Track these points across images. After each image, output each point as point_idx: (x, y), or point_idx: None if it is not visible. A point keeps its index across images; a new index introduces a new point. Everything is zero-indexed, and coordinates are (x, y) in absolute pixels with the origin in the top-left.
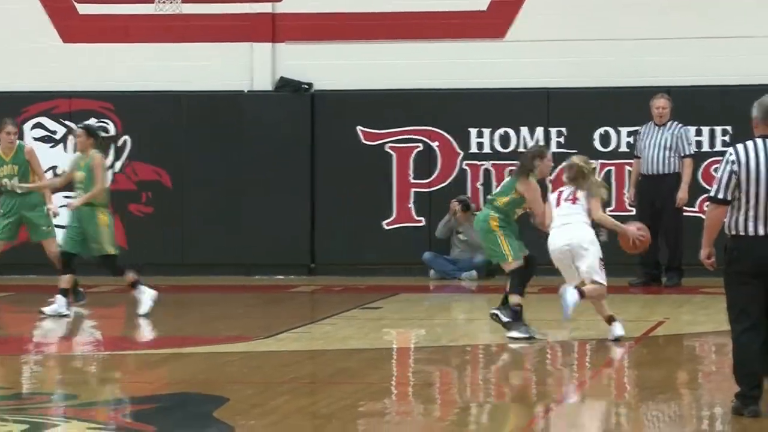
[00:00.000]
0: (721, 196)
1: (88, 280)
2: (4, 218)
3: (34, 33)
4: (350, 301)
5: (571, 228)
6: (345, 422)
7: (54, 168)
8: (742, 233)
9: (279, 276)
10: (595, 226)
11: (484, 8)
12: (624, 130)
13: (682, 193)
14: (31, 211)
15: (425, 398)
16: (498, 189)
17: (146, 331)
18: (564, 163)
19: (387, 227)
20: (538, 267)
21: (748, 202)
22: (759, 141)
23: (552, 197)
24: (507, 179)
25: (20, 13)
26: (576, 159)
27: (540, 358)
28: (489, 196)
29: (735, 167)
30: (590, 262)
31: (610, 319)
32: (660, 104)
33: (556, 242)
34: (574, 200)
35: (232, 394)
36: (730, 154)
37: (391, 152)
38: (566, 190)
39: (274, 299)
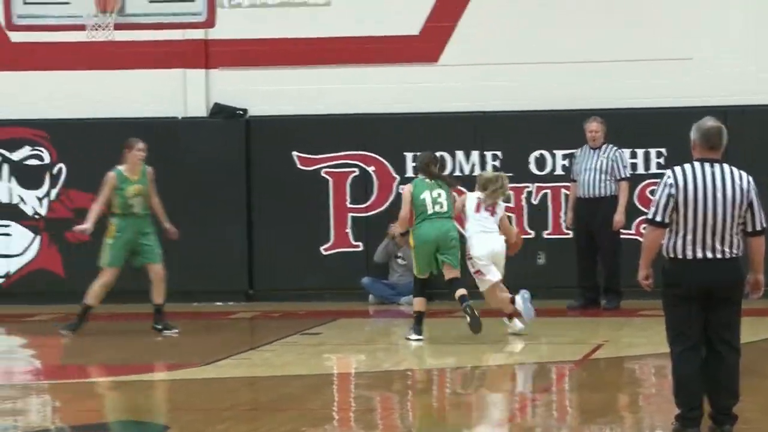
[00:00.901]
0: (659, 219)
1: (29, 309)
2: (119, 241)
3: None
4: (290, 326)
5: (495, 237)
6: None
7: None
8: (680, 256)
9: (218, 302)
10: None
11: (417, 32)
12: (559, 153)
13: (619, 216)
14: (144, 235)
15: (367, 424)
16: (445, 204)
17: (87, 359)
18: (480, 174)
19: (325, 252)
20: None
21: (686, 225)
22: (697, 164)
23: (471, 203)
24: (443, 193)
25: None
26: (493, 173)
27: (481, 382)
28: (440, 211)
29: (673, 190)
30: (502, 270)
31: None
32: (592, 128)
33: (490, 245)
34: (493, 212)
35: (173, 422)
36: (668, 176)
37: (328, 177)
38: (486, 200)
39: (214, 326)
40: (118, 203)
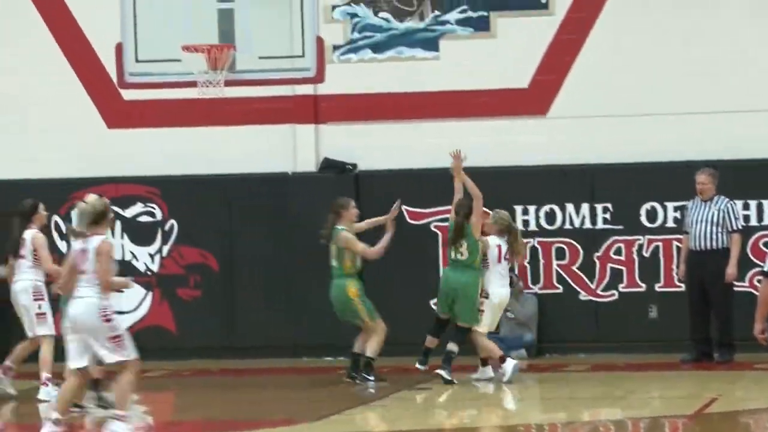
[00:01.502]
0: None
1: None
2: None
3: (79, 119)
4: (400, 381)
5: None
6: None
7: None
8: None
9: (327, 357)
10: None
11: (526, 86)
12: (670, 205)
13: (731, 269)
14: None
15: None
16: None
17: (196, 415)
18: (494, 215)
19: (435, 306)
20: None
21: None
22: None
23: (494, 250)
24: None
25: (65, 99)
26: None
27: None
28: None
29: None
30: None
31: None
32: (701, 180)
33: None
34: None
35: None
36: None
37: (437, 231)
38: (503, 246)
39: (322, 381)
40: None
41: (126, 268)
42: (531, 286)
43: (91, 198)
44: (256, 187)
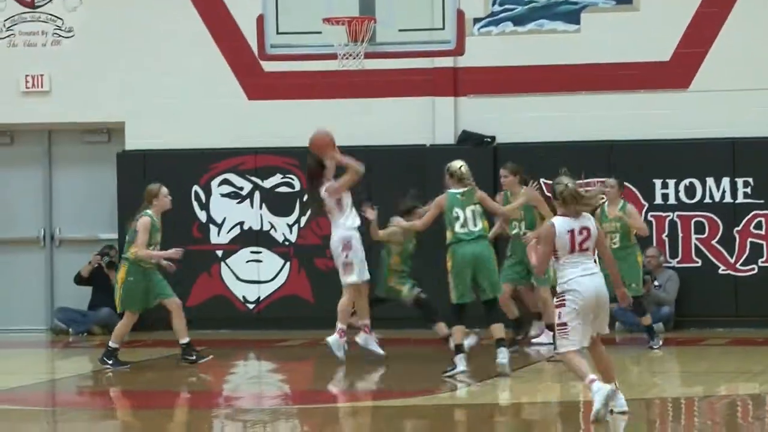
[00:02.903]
0: None
1: (279, 335)
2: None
3: (220, 90)
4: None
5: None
6: None
7: (241, 223)
8: None
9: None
10: None
11: (667, 59)
12: None
13: None
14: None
15: None
16: None
17: (334, 385)
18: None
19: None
20: None
21: None
22: None
23: (565, 237)
24: None
25: (207, 71)
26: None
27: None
28: None
29: None
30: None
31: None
32: None
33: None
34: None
35: None
36: None
37: None
38: (577, 228)
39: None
40: None
41: (264, 238)
42: (669, 260)
43: None
44: (394, 158)
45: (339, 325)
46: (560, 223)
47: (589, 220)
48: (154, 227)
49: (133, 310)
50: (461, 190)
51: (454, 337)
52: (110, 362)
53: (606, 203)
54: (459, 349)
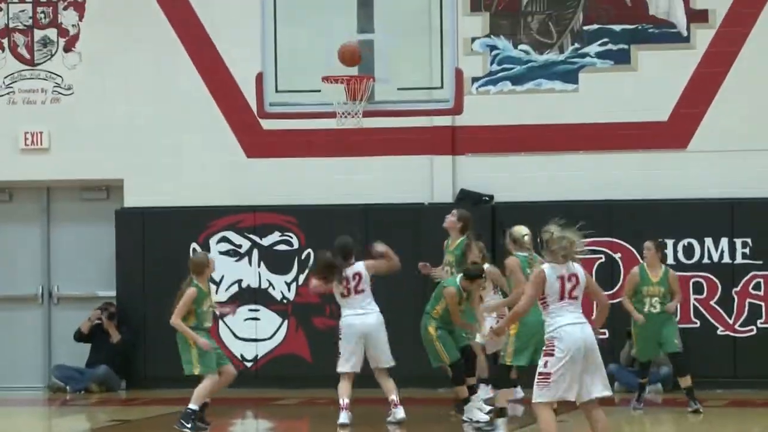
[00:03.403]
0: None
1: (276, 393)
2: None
3: (219, 148)
4: None
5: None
6: None
7: (239, 281)
8: None
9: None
10: None
11: (666, 119)
12: None
13: None
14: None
15: None
16: None
17: None
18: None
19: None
20: None
21: None
22: None
23: (555, 284)
24: None
25: (206, 128)
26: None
27: None
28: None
29: None
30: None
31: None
32: None
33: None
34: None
35: None
36: None
37: None
38: (566, 275)
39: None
40: None
41: (262, 296)
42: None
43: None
44: (392, 216)
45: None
46: (549, 269)
47: (576, 268)
48: (201, 296)
49: (213, 371)
50: (525, 254)
51: (500, 398)
52: (189, 426)
53: (646, 266)
54: (502, 412)
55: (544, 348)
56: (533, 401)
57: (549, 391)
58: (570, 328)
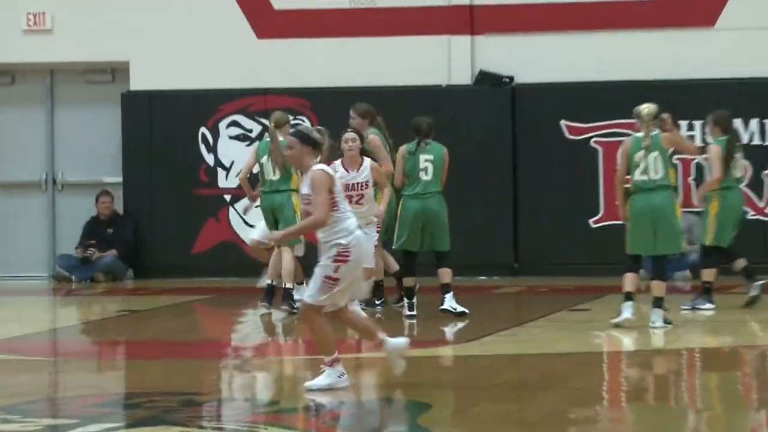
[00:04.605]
0: None
1: None
2: None
3: (229, 30)
4: (556, 302)
5: None
6: (552, 430)
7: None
8: None
9: (482, 277)
10: None
11: None
12: None
13: None
14: None
15: (638, 405)
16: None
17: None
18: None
19: (594, 225)
20: None
21: None
22: None
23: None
24: None
25: (215, 10)
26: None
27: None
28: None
29: None
30: None
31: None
32: None
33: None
34: None
35: (435, 400)
36: None
37: (597, 147)
38: None
39: (478, 301)
40: None
41: None
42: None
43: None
44: (408, 99)
45: None
46: None
47: None
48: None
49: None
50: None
51: (625, 283)
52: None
53: None
54: (629, 296)
55: None
56: None
57: None
58: None
